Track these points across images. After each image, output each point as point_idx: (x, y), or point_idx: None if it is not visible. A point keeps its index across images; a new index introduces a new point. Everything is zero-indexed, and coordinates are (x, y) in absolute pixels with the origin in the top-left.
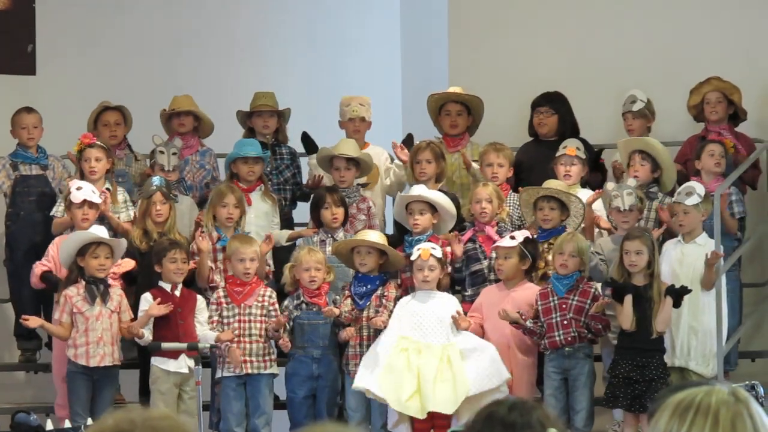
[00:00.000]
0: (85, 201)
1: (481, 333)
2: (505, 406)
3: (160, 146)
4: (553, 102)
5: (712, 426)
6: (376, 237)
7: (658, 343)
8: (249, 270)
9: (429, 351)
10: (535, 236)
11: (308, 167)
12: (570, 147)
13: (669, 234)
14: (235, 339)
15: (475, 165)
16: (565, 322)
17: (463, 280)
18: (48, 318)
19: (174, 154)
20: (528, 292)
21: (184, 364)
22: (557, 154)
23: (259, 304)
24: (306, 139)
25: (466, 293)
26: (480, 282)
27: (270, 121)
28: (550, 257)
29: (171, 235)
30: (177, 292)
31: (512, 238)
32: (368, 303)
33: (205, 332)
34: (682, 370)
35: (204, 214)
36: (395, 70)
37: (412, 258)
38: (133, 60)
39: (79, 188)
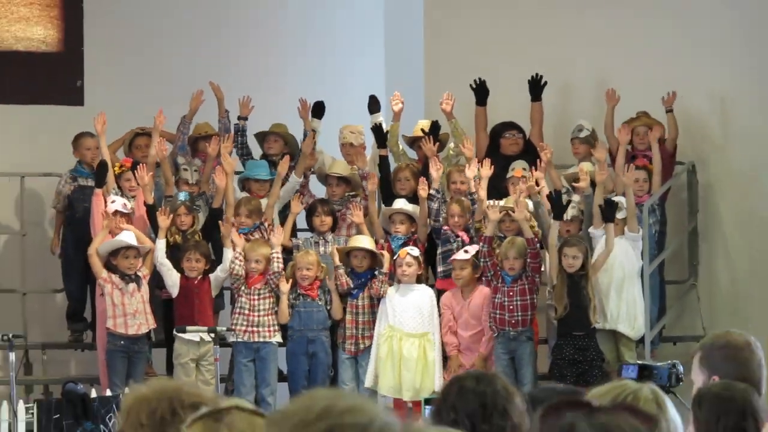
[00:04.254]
0: (116, 211)
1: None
2: (471, 379)
3: (183, 164)
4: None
5: None
6: (367, 242)
7: (593, 331)
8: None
9: (408, 339)
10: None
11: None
12: (517, 169)
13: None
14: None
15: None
16: (511, 307)
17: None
18: (93, 301)
19: (195, 171)
20: (482, 296)
21: (198, 336)
22: (507, 176)
23: (266, 285)
24: (378, 129)
25: (439, 270)
26: (448, 257)
27: (275, 145)
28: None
29: (192, 239)
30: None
31: (466, 251)
32: (360, 293)
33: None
34: (614, 332)
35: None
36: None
37: (394, 258)
38: (165, 92)
39: (113, 201)
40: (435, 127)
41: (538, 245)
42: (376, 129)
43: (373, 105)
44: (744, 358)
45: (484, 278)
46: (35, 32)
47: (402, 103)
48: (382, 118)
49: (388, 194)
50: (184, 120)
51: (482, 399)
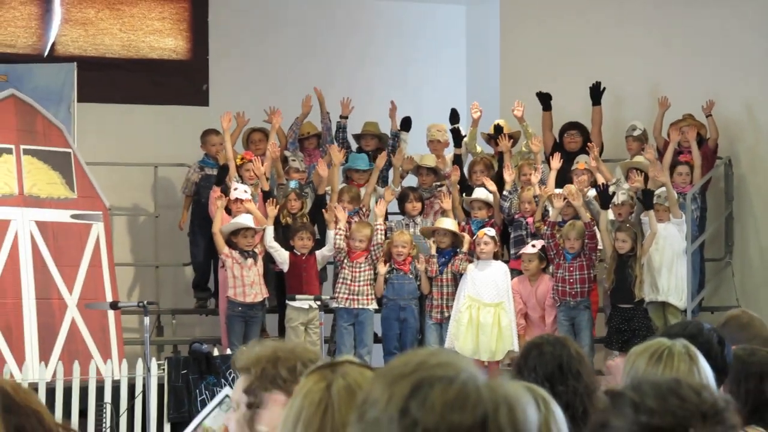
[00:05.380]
0: (237, 199)
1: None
2: (548, 344)
3: (291, 156)
4: (579, 127)
5: (670, 369)
6: (450, 224)
7: (639, 303)
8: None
9: (485, 308)
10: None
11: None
12: (581, 162)
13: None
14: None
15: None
16: (571, 280)
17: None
18: (216, 274)
19: (301, 161)
20: (546, 284)
21: (307, 304)
22: (572, 168)
23: (366, 259)
24: (456, 132)
25: (512, 252)
26: (519, 243)
27: (371, 142)
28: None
29: (300, 221)
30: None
31: (533, 246)
32: (445, 269)
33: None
34: (663, 304)
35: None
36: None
37: (474, 237)
38: (278, 94)
39: (235, 189)
40: (454, 114)
41: (594, 228)
42: (455, 132)
43: (454, 117)
44: (755, 327)
45: (548, 257)
46: (167, 43)
47: (480, 111)
48: (460, 126)
49: (464, 186)
50: (297, 121)
51: (559, 361)
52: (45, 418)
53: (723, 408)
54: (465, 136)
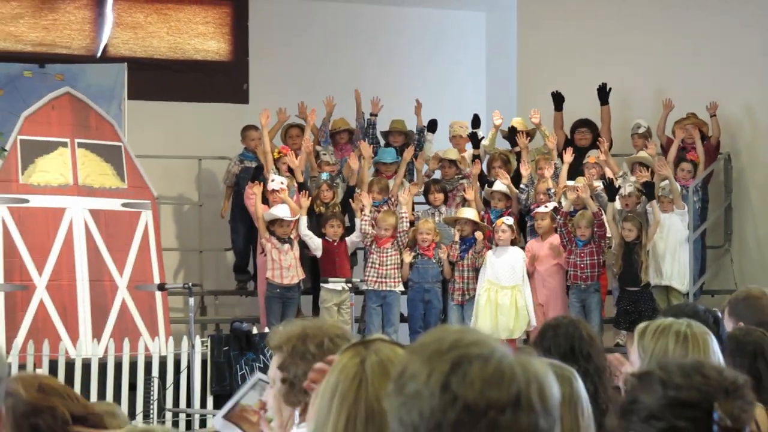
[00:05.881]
0: (273, 190)
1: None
2: (563, 326)
3: (322, 151)
4: (589, 125)
5: (685, 345)
6: (471, 213)
7: (645, 287)
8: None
9: (503, 291)
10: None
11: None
12: (591, 156)
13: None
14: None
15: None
16: (582, 265)
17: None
18: (255, 258)
19: (332, 154)
20: (556, 238)
21: (339, 286)
22: (583, 161)
23: (392, 245)
24: (474, 135)
25: (528, 240)
26: (535, 231)
27: (399, 138)
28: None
29: (332, 210)
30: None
31: (546, 206)
32: (466, 255)
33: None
34: (666, 287)
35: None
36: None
37: (493, 225)
38: (313, 93)
39: (272, 180)
40: (476, 119)
41: (603, 217)
42: (472, 135)
43: (475, 122)
44: (762, 305)
45: (561, 243)
46: (210, 45)
47: (502, 119)
48: (480, 130)
49: (483, 180)
50: (324, 120)
51: (571, 343)
52: (59, 411)
53: (742, 385)
54: (483, 138)
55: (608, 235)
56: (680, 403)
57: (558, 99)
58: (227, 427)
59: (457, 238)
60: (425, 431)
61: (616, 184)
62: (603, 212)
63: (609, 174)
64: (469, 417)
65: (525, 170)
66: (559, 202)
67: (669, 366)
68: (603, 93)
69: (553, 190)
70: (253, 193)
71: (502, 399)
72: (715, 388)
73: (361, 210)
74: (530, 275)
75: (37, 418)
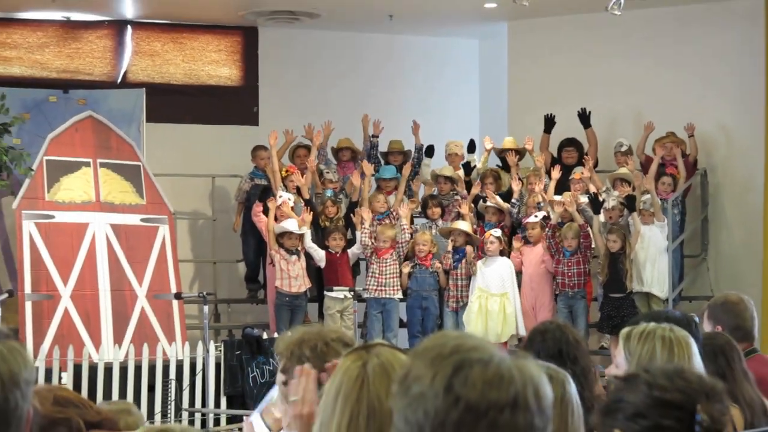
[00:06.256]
0: (280, 205)
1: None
2: (551, 331)
3: (326, 169)
4: (575, 144)
5: (670, 350)
6: (465, 225)
7: (628, 294)
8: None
9: (492, 298)
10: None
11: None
12: (577, 172)
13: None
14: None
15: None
16: (570, 274)
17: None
18: (265, 268)
19: (335, 172)
20: (544, 244)
21: (342, 294)
22: (570, 177)
23: (391, 255)
24: (467, 165)
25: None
26: (526, 242)
27: (398, 158)
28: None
29: (335, 224)
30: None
31: (535, 216)
32: (459, 264)
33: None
34: (647, 294)
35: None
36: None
37: (483, 237)
38: (319, 117)
39: (280, 196)
40: (471, 144)
41: (588, 229)
42: (465, 165)
43: (471, 147)
44: (739, 310)
45: (549, 252)
46: (222, 71)
47: (493, 144)
48: (475, 156)
49: (476, 197)
50: (322, 144)
51: (559, 347)
52: (74, 421)
53: (720, 390)
54: (475, 167)
55: (593, 245)
56: (665, 404)
57: (549, 122)
58: (258, 421)
59: (450, 248)
60: (430, 430)
61: (600, 198)
62: (589, 225)
63: (592, 189)
64: (471, 416)
65: (516, 185)
66: (548, 215)
67: (653, 369)
68: (584, 117)
69: (542, 204)
70: (259, 211)
71: (502, 400)
72: (697, 391)
73: (361, 224)
74: (519, 272)
75: (54, 431)
